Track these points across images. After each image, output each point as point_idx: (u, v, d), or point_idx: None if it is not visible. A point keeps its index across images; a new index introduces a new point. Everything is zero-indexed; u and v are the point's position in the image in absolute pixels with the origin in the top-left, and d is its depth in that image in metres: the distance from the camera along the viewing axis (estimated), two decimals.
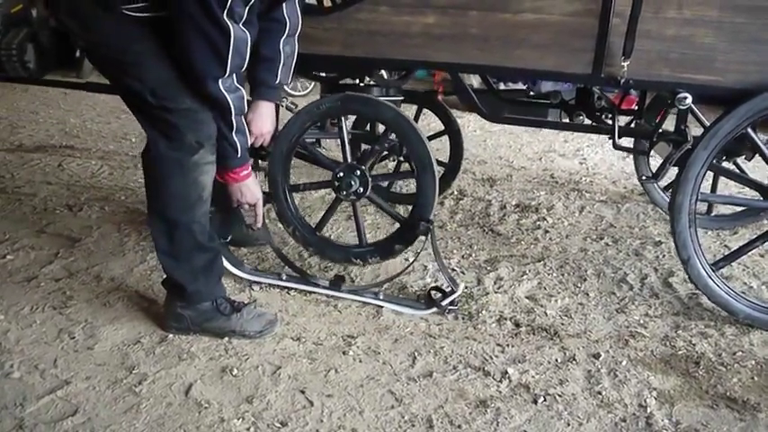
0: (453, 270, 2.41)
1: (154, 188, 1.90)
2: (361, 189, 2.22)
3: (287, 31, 1.98)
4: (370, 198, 2.27)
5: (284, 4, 1.94)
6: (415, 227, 2.17)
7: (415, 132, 2.14)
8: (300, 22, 2.02)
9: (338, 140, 2.38)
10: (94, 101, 5.71)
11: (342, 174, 2.22)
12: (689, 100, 1.98)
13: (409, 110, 3.19)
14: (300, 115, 2.25)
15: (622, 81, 1.99)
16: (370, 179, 2.21)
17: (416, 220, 2.17)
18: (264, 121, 2.05)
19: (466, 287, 2.26)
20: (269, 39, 1.98)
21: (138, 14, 1.68)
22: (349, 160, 2.24)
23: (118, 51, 1.73)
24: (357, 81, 2.49)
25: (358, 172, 2.21)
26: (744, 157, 2.33)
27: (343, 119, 2.24)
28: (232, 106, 1.79)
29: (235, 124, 1.83)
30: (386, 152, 2.64)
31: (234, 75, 1.77)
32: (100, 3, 1.68)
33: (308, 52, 2.14)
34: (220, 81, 1.73)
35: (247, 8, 1.67)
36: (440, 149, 3.51)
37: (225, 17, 1.62)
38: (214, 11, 1.61)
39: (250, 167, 1.99)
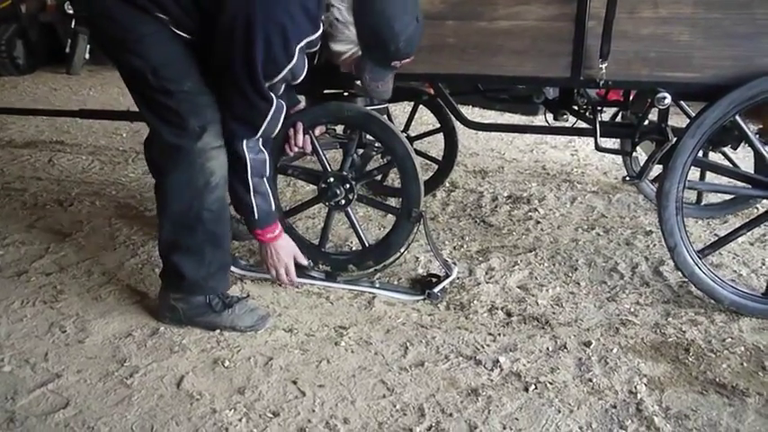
0: (445, 261, 2.41)
1: (160, 177, 1.88)
2: (343, 202, 2.21)
3: None
4: (347, 214, 2.25)
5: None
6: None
7: (414, 169, 2.12)
8: None
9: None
10: (85, 97, 5.69)
11: (332, 179, 2.19)
12: (668, 100, 1.98)
13: (405, 106, 3.20)
14: (316, 109, 2.20)
15: (601, 83, 1.99)
16: (355, 195, 2.20)
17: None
18: None
19: (458, 276, 2.26)
20: None
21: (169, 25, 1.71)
22: (345, 172, 2.20)
23: (122, 29, 1.71)
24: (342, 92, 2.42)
25: (347, 185, 2.19)
26: (729, 146, 2.34)
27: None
28: (249, 166, 1.85)
29: (251, 185, 1.88)
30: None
31: (261, 139, 1.86)
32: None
33: None
34: (245, 141, 1.81)
35: (283, 86, 1.79)
36: (431, 143, 3.53)
37: (266, 88, 1.72)
38: (260, 82, 1.69)
39: (278, 229, 2.00)
